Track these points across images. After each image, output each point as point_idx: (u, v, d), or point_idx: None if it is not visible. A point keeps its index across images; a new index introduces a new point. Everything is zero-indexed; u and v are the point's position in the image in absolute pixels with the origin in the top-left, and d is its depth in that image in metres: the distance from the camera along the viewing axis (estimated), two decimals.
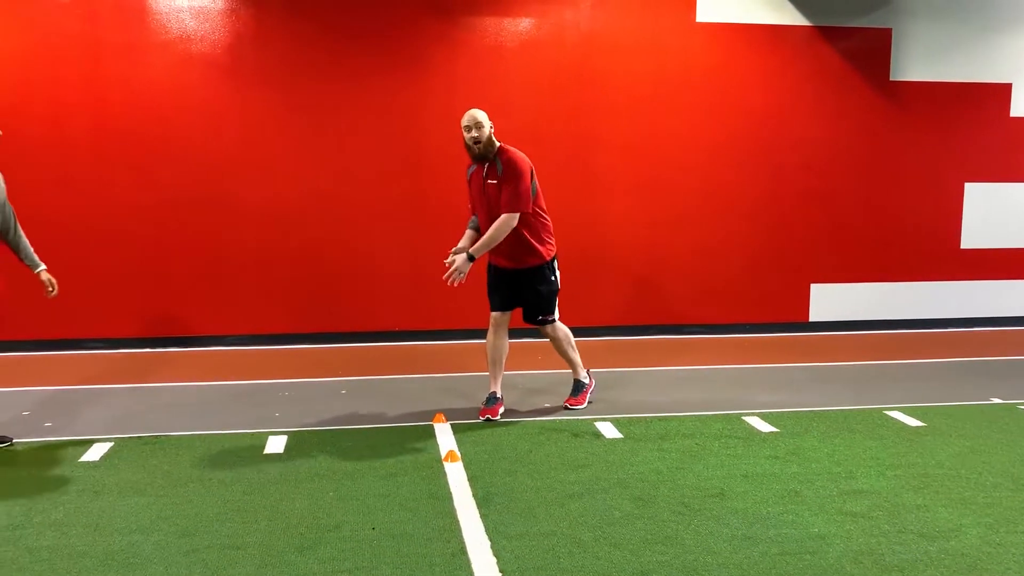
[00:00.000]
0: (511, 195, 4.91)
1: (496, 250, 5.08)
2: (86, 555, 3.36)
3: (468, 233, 5.30)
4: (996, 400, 5.62)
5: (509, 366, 5.72)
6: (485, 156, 4.96)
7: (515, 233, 5.00)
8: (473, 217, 5.36)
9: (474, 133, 4.89)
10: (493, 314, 5.29)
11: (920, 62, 7.82)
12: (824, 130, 7.80)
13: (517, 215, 4.93)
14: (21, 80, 6.77)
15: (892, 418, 5.18)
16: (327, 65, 7.11)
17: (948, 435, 4.86)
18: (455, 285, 4.97)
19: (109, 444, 4.68)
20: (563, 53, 7.38)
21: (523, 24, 7.32)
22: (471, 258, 4.93)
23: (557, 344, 5.42)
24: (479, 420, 5.15)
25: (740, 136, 7.68)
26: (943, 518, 3.72)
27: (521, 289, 5.21)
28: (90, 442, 4.72)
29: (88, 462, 4.42)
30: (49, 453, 4.55)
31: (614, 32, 7.42)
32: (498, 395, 5.32)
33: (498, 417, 5.20)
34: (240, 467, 4.35)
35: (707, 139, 7.64)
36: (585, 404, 5.43)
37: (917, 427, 5.01)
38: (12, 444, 4.67)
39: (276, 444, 4.70)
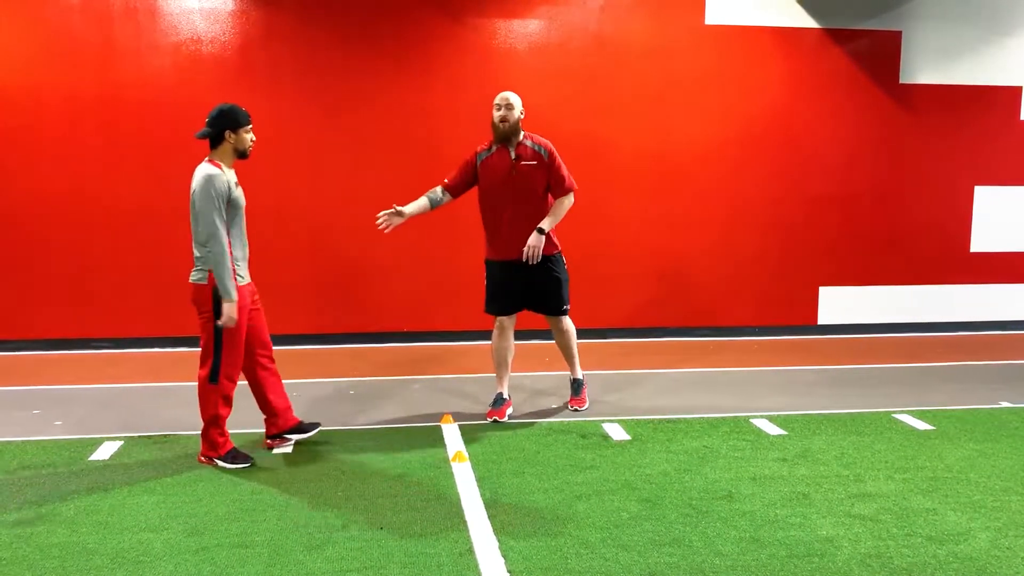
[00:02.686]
0: (566, 176, 5.10)
1: (512, 240, 5.08)
2: (96, 553, 3.38)
3: (421, 201, 5.23)
4: (1005, 404, 5.60)
5: (516, 368, 5.73)
6: (508, 137, 5.04)
7: (536, 218, 5.07)
8: (436, 189, 5.25)
9: (503, 112, 4.99)
10: (499, 318, 5.29)
11: (930, 65, 7.80)
12: (833, 133, 7.78)
13: (573, 193, 5.13)
14: (33, 82, 6.81)
15: (901, 421, 5.17)
16: (336, 66, 7.13)
17: (957, 439, 4.85)
18: (533, 263, 5.03)
19: (119, 443, 4.70)
20: (572, 55, 7.38)
21: (532, 26, 7.33)
22: (542, 232, 5.00)
23: (568, 338, 5.41)
24: (487, 421, 5.16)
25: (748, 138, 7.67)
26: (952, 522, 3.71)
27: (537, 282, 5.17)
28: (100, 441, 4.74)
29: (98, 460, 4.45)
30: (59, 451, 4.58)
31: (623, 34, 7.42)
32: (505, 396, 5.33)
33: (505, 418, 5.21)
34: (249, 466, 4.37)
35: (715, 141, 7.63)
36: (587, 403, 5.45)
37: (926, 430, 5.00)
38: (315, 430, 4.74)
39: (284, 444, 4.71)
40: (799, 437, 4.86)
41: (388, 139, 7.27)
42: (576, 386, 5.49)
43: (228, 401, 4.41)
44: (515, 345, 5.42)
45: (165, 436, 4.84)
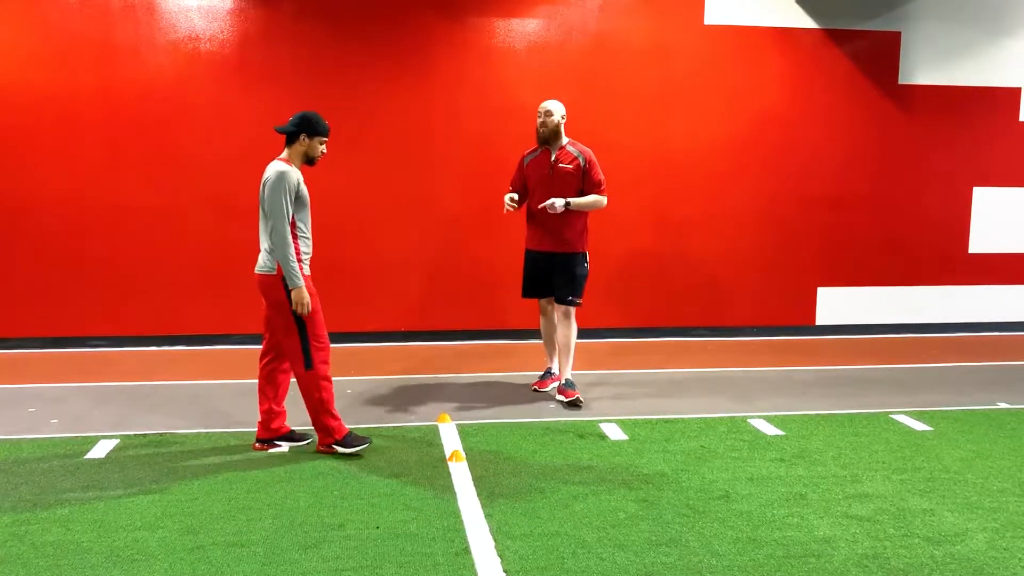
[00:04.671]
0: (600, 181, 5.56)
1: (545, 233, 5.57)
2: (91, 551, 3.37)
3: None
4: (1003, 405, 5.59)
5: (516, 368, 5.74)
6: (548, 141, 5.54)
7: (570, 217, 5.52)
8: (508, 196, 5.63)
9: (543, 118, 5.51)
10: (540, 302, 5.82)
11: (929, 66, 7.80)
12: (832, 133, 7.78)
13: (605, 198, 5.60)
14: (32, 78, 6.79)
15: (898, 422, 5.17)
16: (335, 65, 7.12)
17: (955, 439, 4.85)
18: (549, 211, 5.42)
19: (115, 441, 4.69)
20: (570, 55, 7.38)
21: (531, 25, 7.32)
22: (567, 203, 5.43)
23: (569, 332, 5.68)
24: (484, 421, 5.15)
25: (747, 139, 7.66)
26: (949, 522, 3.71)
27: (558, 272, 5.61)
28: (96, 439, 4.73)
29: (94, 459, 4.43)
30: (55, 450, 4.57)
31: (621, 34, 7.42)
32: (554, 371, 5.84)
33: (548, 390, 5.71)
34: (245, 465, 4.36)
35: (714, 142, 7.63)
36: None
37: (923, 431, 5.00)
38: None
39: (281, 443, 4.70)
40: (796, 437, 4.85)
41: (387, 138, 7.26)
42: (570, 383, 5.62)
43: (329, 381, 4.52)
44: (518, 344, 5.50)
45: (161, 435, 4.83)
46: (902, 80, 7.80)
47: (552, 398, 5.65)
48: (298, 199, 4.44)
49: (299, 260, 4.41)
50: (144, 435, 4.81)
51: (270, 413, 4.62)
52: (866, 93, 7.76)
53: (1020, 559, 3.37)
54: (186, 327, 7.24)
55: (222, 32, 6.98)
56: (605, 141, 7.50)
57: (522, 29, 7.31)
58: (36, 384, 5.96)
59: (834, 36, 7.65)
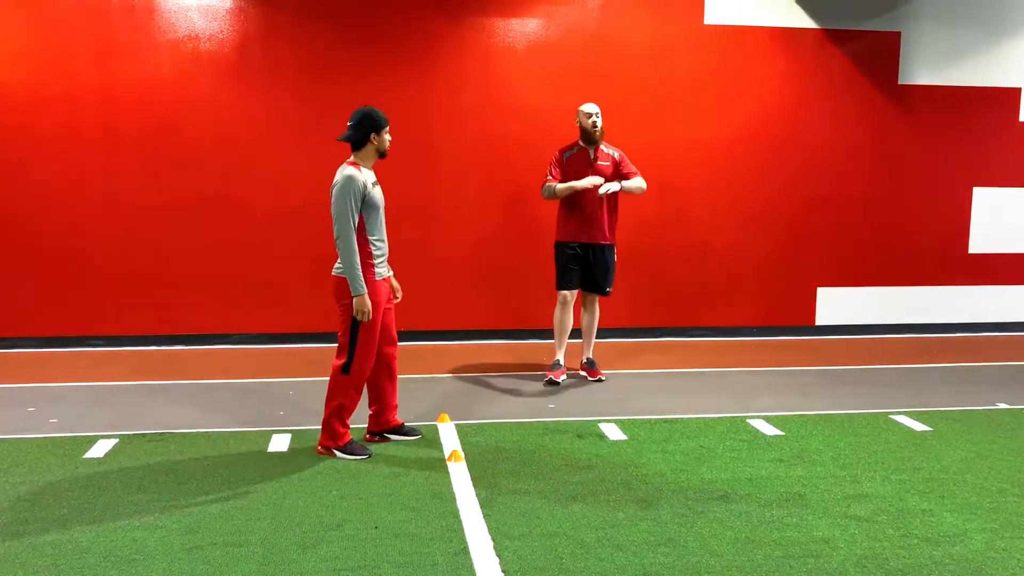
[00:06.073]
0: (636, 170, 6.05)
1: (584, 224, 5.91)
2: (89, 551, 3.37)
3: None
4: (1002, 405, 5.59)
5: (515, 368, 5.73)
6: (596, 140, 5.92)
7: (611, 209, 5.99)
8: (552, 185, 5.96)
9: (594, 119, 5.87)
10: (564, 293, 5.99)
11: (929, 66, 7.80)
12: (832, 133, 7.78)
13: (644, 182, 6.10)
14: (31, 78, 6.80)
15: (898, 422, 5.16)
16: (336, 64, 7.12)
17: (954, 440, 4.84)
18: (603, 193, 5.85)
19: (114, 441, 4.69)
20: (571, 54, 7.37)
21: (531, 25, 7.32)
22: (620, 186, 5.89)
23: (595, 319, 6.17)
24: (482, 421, 5.15)
25: (747, 138, 7.66)
26: (948, 523, 3.70)
27: (596, 264, 5.97)
28: (95, 439, 4.73)
29: (92, 458, 4.43)
30: (54, 449, 4.57)
31: (621, 33, 7.42)
32: (561, 363, 6.03)
33: (560, 380, 5.93)
34: (243, 465, 4.36)
35: (713, 142, 7.62)
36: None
37: (923, 432, 4.99)
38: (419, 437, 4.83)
39: (280, 442, 4.71)
40: (796, 438, 4.85)
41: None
42: (592, 362, 6.16)
43: (358, 392, 4.54)
44: (518, 344, 5.48)
45: (160, 435, 4.83)
46: (902, 80, 7.79)
47: (551, 399, 5.65)
48: (369, 203, 4.48)
49: (372, 262, 4.47)
50: (143, 435, 4.81)
51: (381, 406, 4.71)
52: (866, 93, 7.76)
53: (1019, 560, 3.37)
54: (186, 327, 7.24)
55: (222, 32, 6.98)
56: (604, 139, 7.50)
57: (522, 29, 7.31)
58: (36, 384, 5.96)
59: (834, 36, 7.65)
